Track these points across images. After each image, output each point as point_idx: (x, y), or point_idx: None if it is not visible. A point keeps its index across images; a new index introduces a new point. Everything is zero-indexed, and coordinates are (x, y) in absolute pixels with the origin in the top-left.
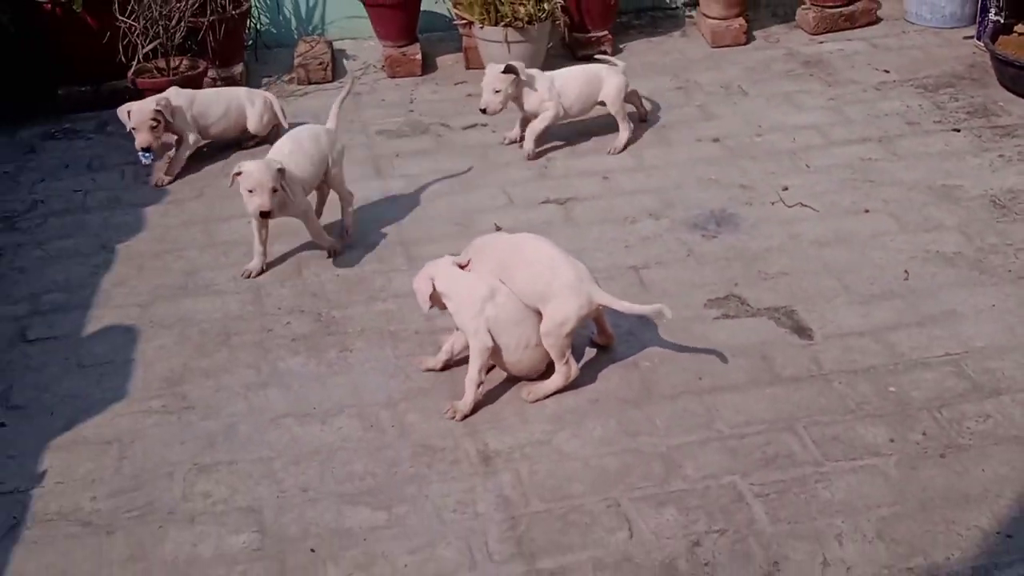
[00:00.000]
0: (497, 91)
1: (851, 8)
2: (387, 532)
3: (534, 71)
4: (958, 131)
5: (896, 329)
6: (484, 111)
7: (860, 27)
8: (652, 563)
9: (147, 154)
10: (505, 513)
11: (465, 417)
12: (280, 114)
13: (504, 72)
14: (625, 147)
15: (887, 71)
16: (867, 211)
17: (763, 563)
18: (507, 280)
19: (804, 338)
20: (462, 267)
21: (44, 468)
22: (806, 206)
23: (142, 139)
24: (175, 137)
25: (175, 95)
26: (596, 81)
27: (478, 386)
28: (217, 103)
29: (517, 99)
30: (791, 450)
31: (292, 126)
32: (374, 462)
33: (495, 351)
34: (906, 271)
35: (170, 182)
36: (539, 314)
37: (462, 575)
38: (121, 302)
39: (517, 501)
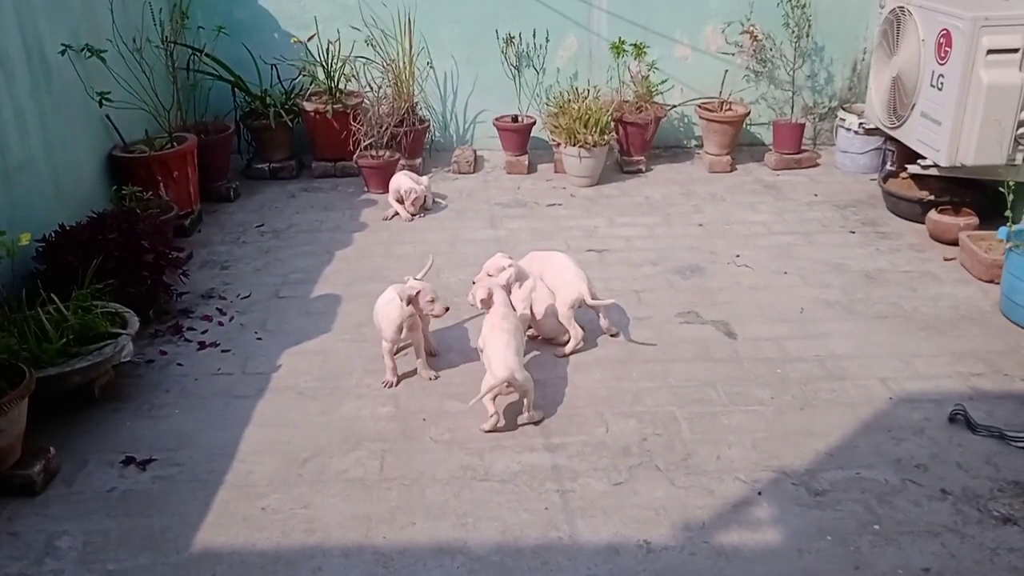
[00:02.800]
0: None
1: (799, 156)
2: (467, 415)
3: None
4: (853, 232)
5: (788, 339)
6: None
7: (805, 167)
8: (616, 446)
9: (412, 219)
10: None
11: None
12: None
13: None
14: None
15: (816, 195)
16: (785, 273)
17: (682, 454)
18: (543, 274)
19: (731, 338)
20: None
21: (280, 363)
22: (748, 267)
23: (410, 211)
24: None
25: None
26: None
27: None
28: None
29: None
30: (710, 396)
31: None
32: (465, 379)
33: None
34: (802, 308)
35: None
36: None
37: (507, 441)
38: (334, 282)
39: (544, 407)
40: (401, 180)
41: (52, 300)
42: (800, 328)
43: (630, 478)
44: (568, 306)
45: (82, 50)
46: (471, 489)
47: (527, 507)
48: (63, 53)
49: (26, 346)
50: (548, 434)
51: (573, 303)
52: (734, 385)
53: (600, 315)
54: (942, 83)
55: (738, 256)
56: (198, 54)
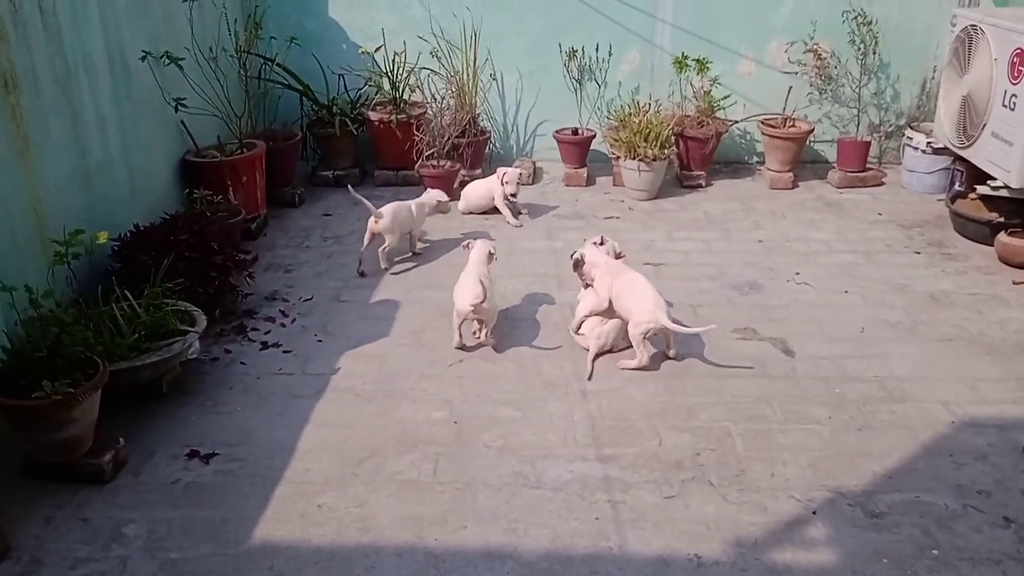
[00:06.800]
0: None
1: (864, 174)
2: (520, 422)
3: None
4: (918, 253)
5: (847, 359)
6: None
7: (869, 186)
8: (669, 460)
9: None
10: (589, 423)
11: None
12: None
13: None
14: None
15: (880, 214)
16: (846, 292)
17: (735, 470)
18: (618, 295)
19: (789, 356)
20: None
21: (339, 365)
22: (807, 284)
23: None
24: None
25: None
26: None
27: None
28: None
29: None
30: (765, 413)
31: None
32: (519, 386)
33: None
34: (863, 328)
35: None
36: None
37: (559, 450)
38: (393, 287)
39: (597, 417)
40: (493, 181)
41: (126, 297)
42: (860, 348)
43: (682, 492)
44: (642, 330)
45: (161, 57)
46: (522, 496)
47: (577, 516)
48: (143, 60)
49: (100, 340)
50: (600, 445)
51: (647, 329)
52: (790, 403)
53: (670, 341)
54: (1015, 103)
55: (798, 274)
56: (270, 63)
